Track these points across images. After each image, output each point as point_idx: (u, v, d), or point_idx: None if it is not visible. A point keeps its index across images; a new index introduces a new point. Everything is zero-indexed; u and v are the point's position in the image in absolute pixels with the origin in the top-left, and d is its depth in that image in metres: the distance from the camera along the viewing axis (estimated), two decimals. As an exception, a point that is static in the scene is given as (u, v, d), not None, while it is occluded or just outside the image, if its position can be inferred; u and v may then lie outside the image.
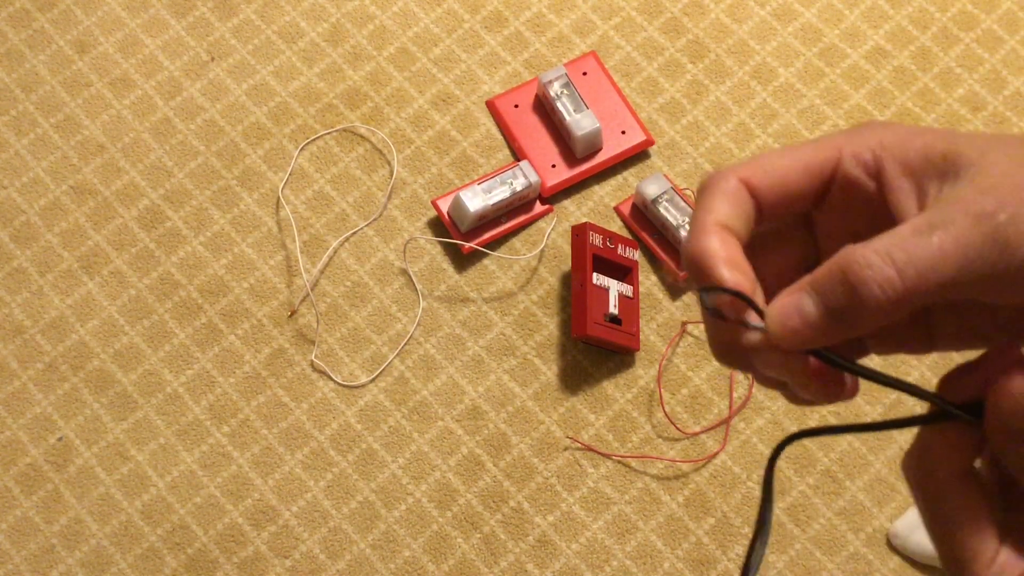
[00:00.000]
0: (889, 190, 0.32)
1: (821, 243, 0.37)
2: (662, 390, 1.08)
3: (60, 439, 1.06)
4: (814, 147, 0.33)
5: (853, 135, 0.33)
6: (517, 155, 1.15)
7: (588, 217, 1.14)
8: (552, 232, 1.13)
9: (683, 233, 1.08)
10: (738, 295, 0.32)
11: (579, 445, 1.06)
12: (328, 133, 1.16)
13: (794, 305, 0.31)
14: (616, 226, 1.13)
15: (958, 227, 0.29)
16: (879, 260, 0.30)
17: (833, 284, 0.30)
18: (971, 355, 0.33)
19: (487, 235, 1.12)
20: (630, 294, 1.09)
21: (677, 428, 1.07)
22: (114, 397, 1.07)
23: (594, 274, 1.06)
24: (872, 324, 0.30)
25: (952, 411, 0.31)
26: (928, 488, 0.32)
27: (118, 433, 1.06)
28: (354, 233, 1.13)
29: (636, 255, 1.11)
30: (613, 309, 1.07)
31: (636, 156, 1.16)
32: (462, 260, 1.12)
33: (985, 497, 0.31)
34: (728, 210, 0.33)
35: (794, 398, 0.34)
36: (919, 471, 0.32)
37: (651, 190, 1.10)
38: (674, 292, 1.11)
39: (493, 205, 1.09)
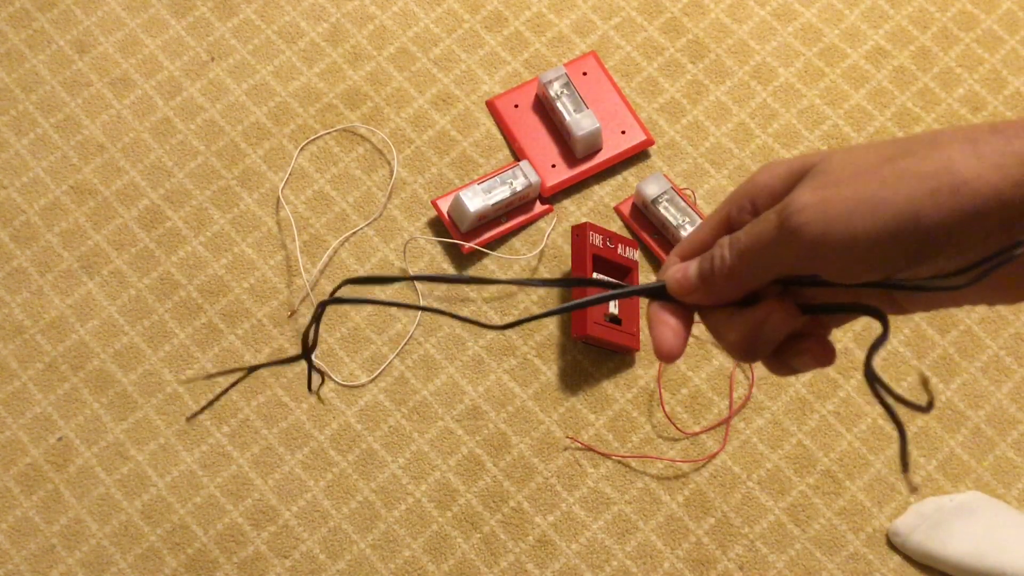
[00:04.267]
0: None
1: None
2: (662, 390, 1.08)
3: (60, 439, 1.06)
4: (714, 215, 0.43)
5: (738, 189, 0.42)
6: (517, 155, 1.15)
7: (588, 217, 1.14)
8: (552, 232, 1.13)
9: (683, 233, 1.08)
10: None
11: (579, 445, 1.06)
12: (328, 133, 1.16)
13: (683, 268, 0.43)
14: (616, 226, 1.13)
15: (762, 223, 0.39)
16: (725, 244, 0.41)
17: (705, 258, 0.42)
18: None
19: (487, 235, 1.12)
20: (630, 294, 1.09)
21: (677, 428, 1.07)
22: (114, 397, 1.07)
23: (594, 274, 1.06)
24: (725, 288, 0.41)
25: (656, 288, 0.44)
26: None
27: (118, 433, 1.06)
28: (354, 233, 1.13)
29: (636, 255, 1.11)
30: (613, 309, 1.07)
31: (636, 156, 1.16)
32: (462, 260, 1.12)
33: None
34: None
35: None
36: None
37: (651, 190, 1.10)
38: (674, 292, 1.11)
39: (493, 205, 1.09)
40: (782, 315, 0.40)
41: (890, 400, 0.37)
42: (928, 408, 0.36)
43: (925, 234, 0.35)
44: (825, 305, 0.41)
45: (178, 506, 1.04)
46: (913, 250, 0.36)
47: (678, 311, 0.43)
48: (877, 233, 0.35)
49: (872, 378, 0.38)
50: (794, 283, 0.41)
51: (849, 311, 0.40)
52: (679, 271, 0.43)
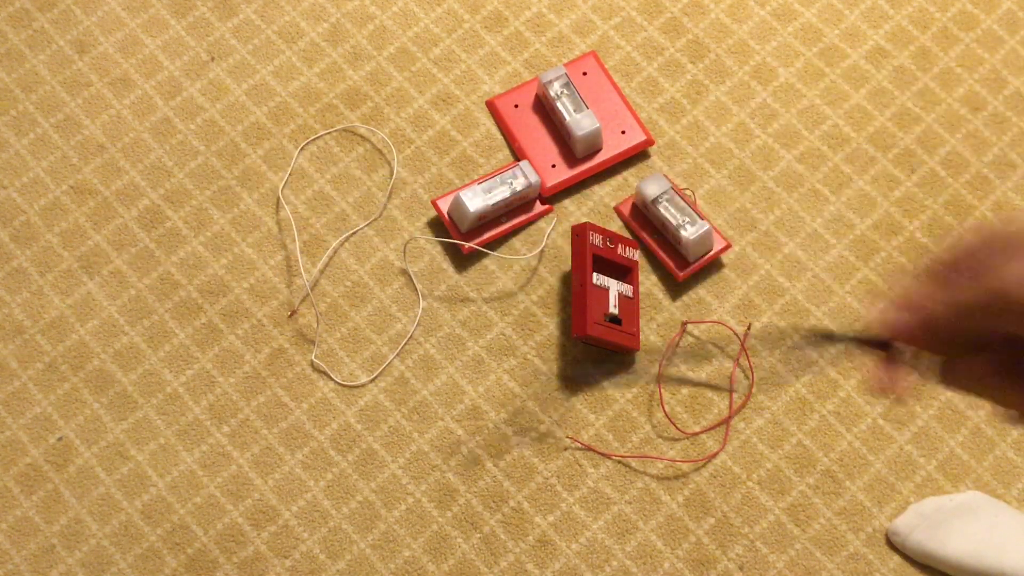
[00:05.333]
0: None
1: None
2: (662, 390, 1.08)
3: (60, 439, 1.06)
4: None
5: None
6: (517, 155, 1.15)
7: (588, 217, 1.14)
8: (552, 232, 1.13)
9: (683, 233, 1.08)
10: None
11: (579, 445, 1.06)
12: (328, 133, 1.16)
13: None
14: (616, 226, 1.13)
15: None
16: None
17: None
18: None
19: (487, 235, 1.12)
20: (630, 294, 1.09)
21: (677, 428, 1.07)
22: (114, 397, 1.07)
23: (594, 274, 1.06)
24: None
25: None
26: None
27: (118, 433, 1.06)
28: (354, 233, 1.13)
29: (636, 255, 1.11)
30: (613, 309, 1.07)
31: (636, 156, 1.16)
32: (462, 260, 1.12)
33: None
34: None
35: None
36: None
37: (651, 190, 1.10)
38: (674, 292, 1.11)
39: (493, 205, 1.09)
40: None
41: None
42: None
43: None
44: None
45: (178, 506, 1.04)
46: None
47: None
48: None
49: None
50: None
51: None
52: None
